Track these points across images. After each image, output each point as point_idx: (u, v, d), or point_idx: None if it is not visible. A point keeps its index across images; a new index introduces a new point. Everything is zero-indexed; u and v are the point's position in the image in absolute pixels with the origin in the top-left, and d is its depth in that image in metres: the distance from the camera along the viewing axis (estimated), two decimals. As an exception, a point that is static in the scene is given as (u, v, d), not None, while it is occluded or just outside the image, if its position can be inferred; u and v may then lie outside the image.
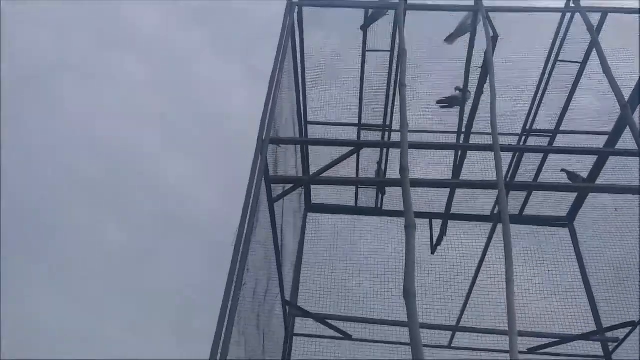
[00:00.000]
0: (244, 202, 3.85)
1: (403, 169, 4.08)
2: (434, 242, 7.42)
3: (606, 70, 4.60)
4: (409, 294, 3.48)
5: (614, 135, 6.30)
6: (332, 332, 6.72)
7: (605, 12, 5.51)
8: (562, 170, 6.61)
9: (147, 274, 15.50)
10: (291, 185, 4.92)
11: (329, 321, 6.70)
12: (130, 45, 17.84)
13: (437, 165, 7.19)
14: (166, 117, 17.22)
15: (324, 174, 6.08)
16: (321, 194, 8.14)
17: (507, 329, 6.72)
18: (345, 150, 5.37)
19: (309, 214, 8.08)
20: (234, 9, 17.45)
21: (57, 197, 15.69)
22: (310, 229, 7.99)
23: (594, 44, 5.00)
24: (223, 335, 3.27)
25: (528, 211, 7.73)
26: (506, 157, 6.68)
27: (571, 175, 6.62)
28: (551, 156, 6.78)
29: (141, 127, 17.02)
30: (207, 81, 17.61)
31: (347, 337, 6.77)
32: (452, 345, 6.78)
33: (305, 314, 6.63)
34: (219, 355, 3.18)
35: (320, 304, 7.13)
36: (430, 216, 7.45)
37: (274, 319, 6.05)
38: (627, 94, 6.23)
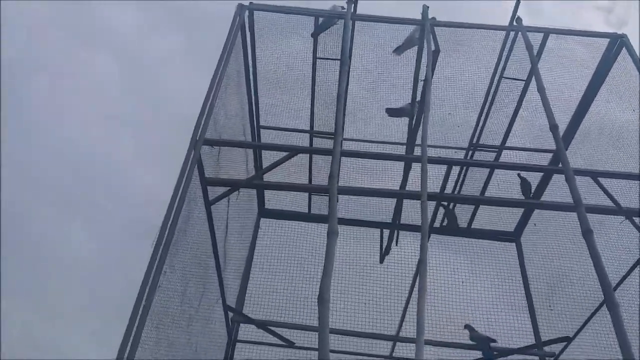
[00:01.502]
0: (169, 203, 3.82)
1: (331, 176, 4.11)
2: (383, 252, 7.47)
3: (540, 89, 4.71)
4: (323, 300, 3.51)
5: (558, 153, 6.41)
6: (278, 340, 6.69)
7: (546, 32, 5.65)
8: (518, 174, 6.66)
9: (114, 282, 15.21)
10: (229, 189, 4.89)
11: (273, 328, 6.67)
12: (104, 45, 17.64)
13: (389, 175, 7.29)
14: (137, 121, 17.03)
15: (273, 180, 6.13)
16: (278, 200, 8.14)
17: (447, 339, 6.81)
18: (299, 157, 5.38)
19: (262, 219, 8.07)
20: (209, 13, 17.39)
21: (21, 202, 15.31)
22: (262, 234, 7.98)
23: (532, 64, 5.12)
24: (132, 336, 3.23)
25: (478, 224, 7.85)
26: (454, 170, 6.77)
27: (524, 182, 6.65)
28: (499, 171, 6.88)
29: (111, 130, 16.79)
30: (180, 86, 17.48)
31: (289, 344, 6.74)
32: (394, 355, 6.80)
33: (248, 320, 6.59)
34: (126, 354, 3.14)
35: (268, 311, 7.09)
36: (379, 225, 7.51)
37: (213, 324, 6.00)
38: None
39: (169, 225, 3.73)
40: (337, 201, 7.60)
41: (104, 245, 15.61)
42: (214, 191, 5.10)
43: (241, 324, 6.81)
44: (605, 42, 5.73)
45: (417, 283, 6.39)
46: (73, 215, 16.04)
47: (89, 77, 17.64)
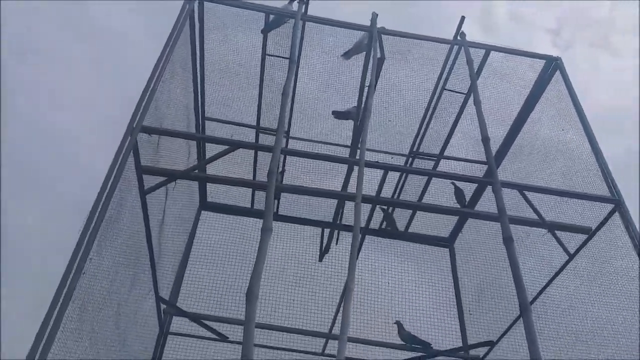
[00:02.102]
0: (100, 188, 3.75)
1: (271, 172, 4.16)
2: (322, 250, 7.58)
3: (476, 102, 4.91)
4: (251, 295, 3.55)
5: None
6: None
7: (487, 49, 5.90)
8: (452, 183, 6.91)
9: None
10: (165, 179, 4.85)
11: (206, 322, 6.63)
12: (95, 41, 16.90)
13: (333, 175, 7.40)
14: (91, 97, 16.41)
15: (214, 173, 6.08)
16: (222, 193, 8.09)
17: (379, 339, 6.95)
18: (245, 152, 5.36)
19: (203, 212, 8.00)
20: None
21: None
22: (202, 227, 7.91)
23: (471, 78, 5.33)
24: (52, 321, 3.17)
25: (415, 229, 8.08)
26: (394, 175, 6.95)
27: (458, 190, 6.91)
28: (436, 178, 7.10)
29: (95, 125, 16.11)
30: (136, 64, 16.95)
31: (222, 338, 6.72)
32: (325, 353, 6.90)
33: (180, 312, 6.53)
34: (43, 341, 3.08)
35: (203, 304, 7.04)
36: (321, 225, 7.61)
37: (144, 315, 5.91)
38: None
39: (97, 210, 3.67)
40: (278, 198, 7.76)
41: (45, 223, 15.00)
42: (151, 181, 5.04)
43: (174, 317, 6.75)
44: (542, 63, 6.03)
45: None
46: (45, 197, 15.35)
47: (79, 68, 16.86)
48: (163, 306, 6.42)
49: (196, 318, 6.62)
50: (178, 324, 6.85)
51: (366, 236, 7.65)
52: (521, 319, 6.42)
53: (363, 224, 7.68)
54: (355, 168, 6.33)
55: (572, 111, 5.54)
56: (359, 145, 4.39)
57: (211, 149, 7.14)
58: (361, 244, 6.61)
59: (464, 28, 5.78)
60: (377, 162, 5.43)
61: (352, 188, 6.82)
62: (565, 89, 5.67)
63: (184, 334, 6.71)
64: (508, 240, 4.00)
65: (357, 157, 6.17)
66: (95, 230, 3.62)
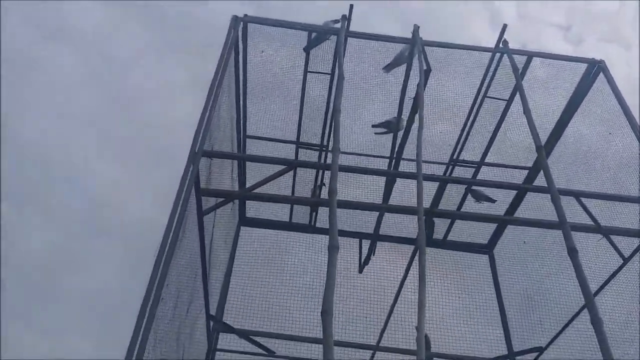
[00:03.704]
0: (170, 215, 3.82)
1: (331, 191, 4.18)
2: (362, 262, 7.59)
3: (526, 111, 4.93)
4: (326, 313, 3.57)
5: (533, 172, 6.71)
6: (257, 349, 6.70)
7: (530, 55, 5.91)
8: (471, 190, 6.91)
9: (69, 277, 14.91)
10: (222, 200, 4.91)
11: (253, 337, 6.68)
12: (69, 41, 17.18)
13: (371, 186, 7.41)
14: (101, 120, 16.65)
15: (259, 189, 6.13)
16: (258, 208, 8.14)
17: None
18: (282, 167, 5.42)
19: (242, 227, 8.06)
20: (185, 13, 17.22)
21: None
22: (243, 242, 7.97)
23: (517, 86, 5.35)
24: (137, 349, 3.22)
25: (452, 237, 8.07)
26: (433, 184, 6.96)
27: (476, 194, 6.90)
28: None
29: (74, 128, 16.37)
30: (148, 86, 17.22)
31: (270, 353, 6.76)
32: (374, 365, 6.90)
33: (229, 329, 6.59)
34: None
35: (247, 319, 7.08)
36: (360, 236, 7.62)
37: (196, 333, 5.97)
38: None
39: (169, 238, 3.72)
40: (316, 211, 7.79)
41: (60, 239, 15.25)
42: (204, 201, 5.10)
43: (220, 333, 6.81)
44: (583, 67, 6.03)
45: (400, 294, 6.57)
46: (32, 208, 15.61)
47: (54, 74, 17.14)
48: (211, 322, 6.49)
49: (243, 334, 6.68)
50: (225, 339, 6.92)
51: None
52: (571, 323, 6.49)
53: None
54: (399, 180, 6.40)
55: (618, 113, 5.52)
56: (415, 158, 4.40)
57: (251, 165, 7.22)
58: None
59: (487, 32, 5.80)
60: (434, 174, 5.43)
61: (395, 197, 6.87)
62: (611, 91, 5.65)
63: (231, 350, 6.77)
64: (572, 251, 3.99)
65: (405, 170, 6.28)
66: (169, 256, 3.68)
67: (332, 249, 3.86)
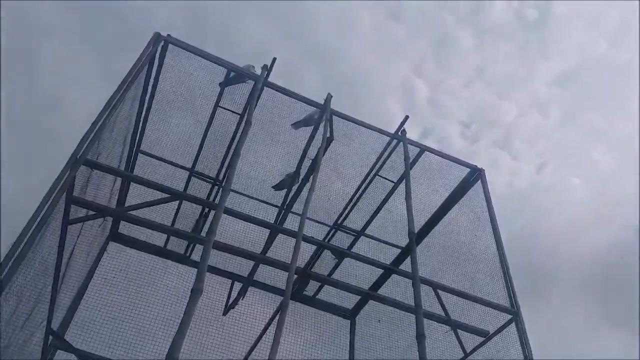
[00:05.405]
0: (29, 220, 3.55)
1: (210, 232, 4.16)
2: (229, 304, 7.47)
3: (408, 197, 5.28)
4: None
5: (403, 254, 7.12)
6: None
7: (422, 149, 6.40)
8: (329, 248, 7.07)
9: None
10: (94, 213, 4.67)
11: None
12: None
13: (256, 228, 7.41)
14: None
15: (137, 211, 5.89)
16: (133, 225, 7.76)
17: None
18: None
19: (111, 242, 7.63)
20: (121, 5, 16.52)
21: None
22: (107, 259, 7.52)
23: (405, 173, 5.74)
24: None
25: (322, 296, 8.23)
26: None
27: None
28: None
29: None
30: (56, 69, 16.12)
31: (103, 379, 6.34)
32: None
33: (68, 347, 6.11)
34: None
35: (93, 341, 6.62)
36: (232, 277, 7.54)
37: (31, 346, 5.47)
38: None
39: (21, 245, 3.45)
40: (195, 243, 7.60)
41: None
42: (74, 210, 4.81)
43: (58, 351, 6.30)
44: (466, 170, 6.62)
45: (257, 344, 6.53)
46: None
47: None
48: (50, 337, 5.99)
49: (83, 355, 6.22)
50: (62, 357, 6.40)
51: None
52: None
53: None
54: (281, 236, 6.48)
55: (486, 219, 6.09)
56: (300, 218, 4.51)
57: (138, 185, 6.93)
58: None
59: (397, 108, 6.21)
60: (313, 237, 5.57)
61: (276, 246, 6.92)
62: (483, 197, 6.24)
63: (64, 370, 6.27)
64: (420, 336, 4.26)
65: (287, 228, 6.38)
66: (18, 261, 3.40)
67: (196, 292, 3.81)
